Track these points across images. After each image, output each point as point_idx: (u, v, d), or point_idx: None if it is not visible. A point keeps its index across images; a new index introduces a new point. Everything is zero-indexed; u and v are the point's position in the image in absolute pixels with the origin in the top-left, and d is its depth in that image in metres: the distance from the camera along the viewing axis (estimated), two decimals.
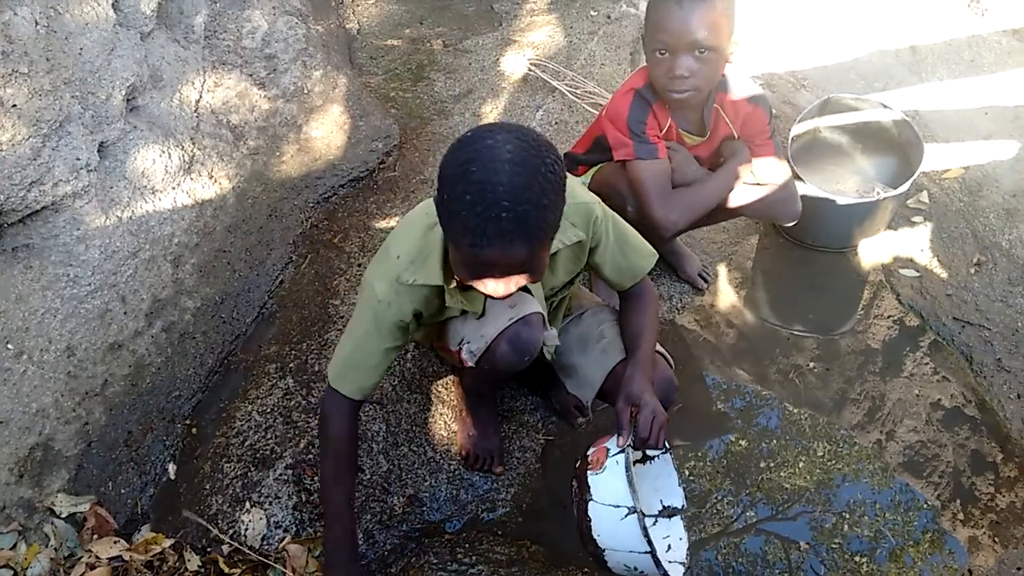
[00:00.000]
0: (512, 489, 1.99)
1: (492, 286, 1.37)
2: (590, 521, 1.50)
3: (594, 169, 2.25)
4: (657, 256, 1.74)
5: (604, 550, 1.51)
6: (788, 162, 2.58)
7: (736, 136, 2.10)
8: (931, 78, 3.16)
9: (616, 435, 1.55)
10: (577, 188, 1.56)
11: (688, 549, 1.66)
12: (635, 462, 1.71)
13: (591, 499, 1.50)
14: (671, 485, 1.70)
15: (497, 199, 1.20)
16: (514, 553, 1.84)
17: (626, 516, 1.45)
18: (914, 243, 2.73)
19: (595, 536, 1.50)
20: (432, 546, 1.83)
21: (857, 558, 2.02)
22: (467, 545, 1.84)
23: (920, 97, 3.08)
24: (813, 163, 2.81)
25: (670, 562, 1.60)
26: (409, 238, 1.50)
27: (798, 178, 2.54)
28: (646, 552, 1.44)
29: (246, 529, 1.74)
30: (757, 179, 2.17)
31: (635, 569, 1.51)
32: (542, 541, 1.90)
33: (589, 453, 1.58)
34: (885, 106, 2.69)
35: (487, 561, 1.80)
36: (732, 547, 2.02)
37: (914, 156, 2.58)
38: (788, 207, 2.21)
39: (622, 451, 1.50)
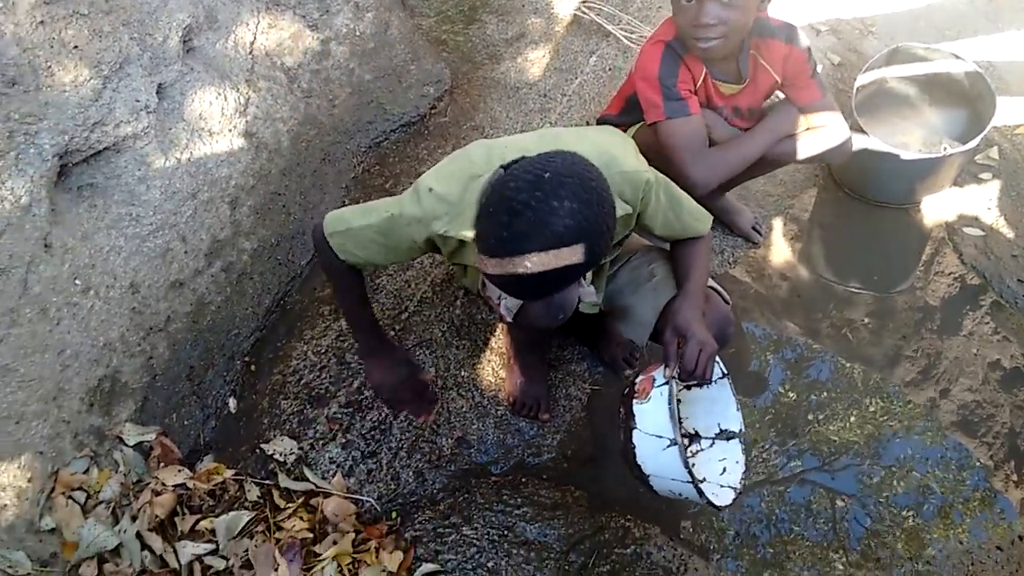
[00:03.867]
0: (558, 436, 2.02)
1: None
2: (634, 448, 1.52)
3: (632, 130, 2.19)
4: (712, 219, 1.71)
5: (649, 476, 1.53)
6: (854, 114, 2.50)
7: (779, 80, 2.01)
8: (1008, 27, 3.01)
9: (663, 366, 1.55)
10: (628, 156, 1.52)
11: (745, 472, 1.65)
12: (692, 386, 1.71)
13: (635, 427, 1.52)
14: (729, 409, 1.70)
15: (525, 261, 1.17)
16: (558, 497, 1.87)
17: (668, 447, 1.46)
18: (980, 201, 2.64)
19: (639, 463, 1.53)
20: (479, 487, 1.87)
21: (903, 512, 2.01)
22: (512, 488, 1.88)
23: (995, 47, 2.94)
24: (878, 115, 2.71)
25: (722, 486, 1.62)
26: (451, 178, 1.46)
27: (861, 130, 2.47)
28: (688, 481, 1.46)
29: (300, 463, 1.80)
30: (803, 126, 2.07)
31: (680, 495, 1.53)
32: (586, 487, 1.94)
33: (637, 381, 1.59)
34: (957, 56, 2.57)
35: (532, 504, 1.84)
36: (776, 495, 2.03)
37: (985, 110, 2.48)
38: (838, 147, 2.08)
39: (667, 383, 1.50)
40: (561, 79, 2.73)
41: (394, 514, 1.80)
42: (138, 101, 1.78)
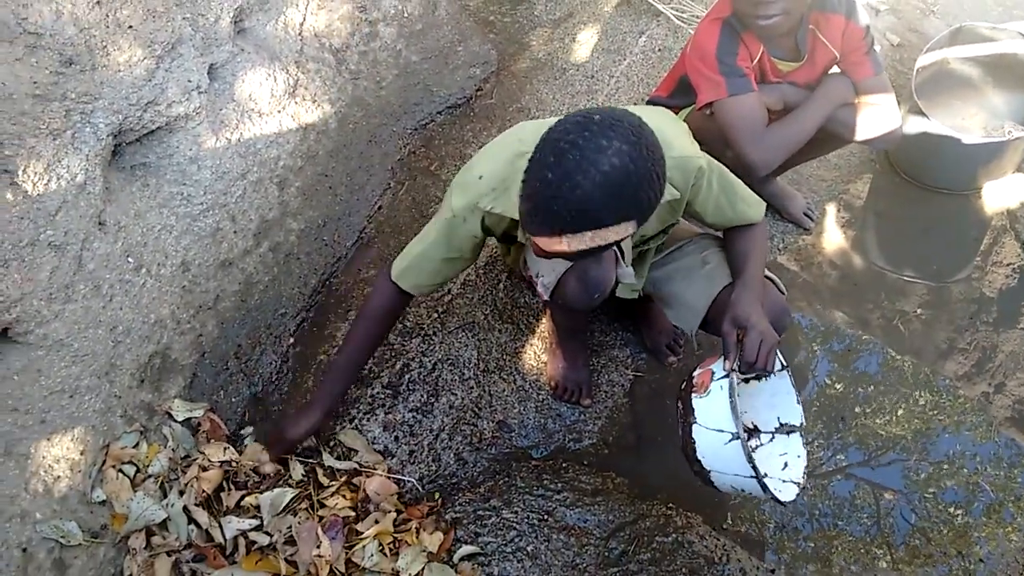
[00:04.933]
0: (599, 422, 2.01)
1: (532, 244, 1.34)
2: (695, 443, 1.49)
3: (684, 112, 2.14)
4: (765, 205, 1.67)
5: (710, 471, 1.51)
6: (914, 96, 2.42)
7: (837, 56, 1.95)
8: None
9: (722, 358, 1.52)
10: (680, 140, 1.49)
11: (806, 467, 1.62)
12: (751, 378, 1.68)
13: (695, 422, 1.49)
14: (789, 402, 1.66)
15: (567, 198, 1.15)
16: (599, 483, 1.86)
17: (730, 441, 1.43)
18: None
19: (700, 458, 1.50)
20: (519, 471, 1.88)
21: (951, 509, 1.96)
22: (553, 472, 1.88)
23: None
24: (939, 97, 2.62)
25: (784, 481, 1.59)
26: (496, 162, 1.46)
27: (921, 113, 2.38)
28: (751, 476, 1.43)
29: (343, 444, 1.82)
30: (856, 100, 2.01)
31: (742, 490, 1.51)
32: (627, 474, 1.93)
33: (695, 374, 1.56)
34: None
35: (572, 489, 1.83)
36: (819, 489, 2.00)
37: None
38: (887, 130, 2.02)
39: (727, 375, 1.47)
40: (609, 60, 2.70)
41: (436, 495, 1.82)
42: (190, 81, 1.80)
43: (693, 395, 1.51)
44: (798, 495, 1.56)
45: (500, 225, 1.53)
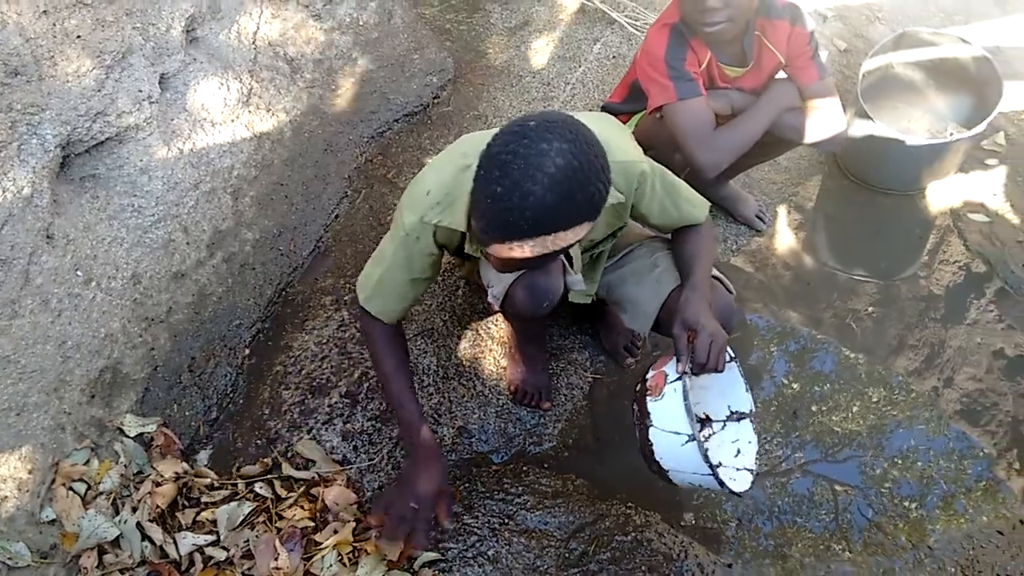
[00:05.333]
0: (559, 424, 2.02)
1: (492, 260, 1.34)
2: (652, 445, 1.52)
3: (635, 118, 2.17)
4: (709, 205, 1.70)
5: (668, 471, 1.54)
6: (859, 100, 2.48)
7: (783, 61, 1.99)
8: (1016, 12, 2.98)
9: (674, 359, 1.54)
10: (622, 145, 1.51)
11: (758, 453, 1.66)
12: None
13: (651, 425, 1.51)
14: (738, 391, 1.69)
15: (521, 207, 1.15)
16: (559, 486, 1.88)
17: (686, 443, 1.46)
18: (986, 187, 2.62)
19: (658, 459, 1.52)
20: (480, 476, 1.88)
21: (907, 503, 2.01)
22: (513, 476, 1.88)
23: (1003, 32, 2.91)
24: (883, 100, 2.69)
25: (739, 469, 1.63)
26: (442, 175, 1.46)
27: (866, 116, 2.45)
28: (709, 474, 1.46)
29: (301, 455, 1.81)
30: (801, 104, 2.05)
31: (700, 486, 1.54)
32: (587, 476, 1.94)
33: (648, 377, 1.58)
34: (964, 41, 2.54)
35: (532, 492, 1.84)
36: (779, 487, 2.03)
37: (992, 95, 2.46)
38: (832, 132, 2.06)
39: (679, 378, 1.49)
40: (564, 67, 2.72)
41: None
42: (141, 91, 1.78)
43: (648, 398, 1.54)
44: (752, 483, 1.59)
45: (453, 239, 1.54)
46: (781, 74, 2.06)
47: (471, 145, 1.44)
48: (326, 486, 1.73)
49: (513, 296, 1.57)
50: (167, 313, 1.86)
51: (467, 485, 1.85)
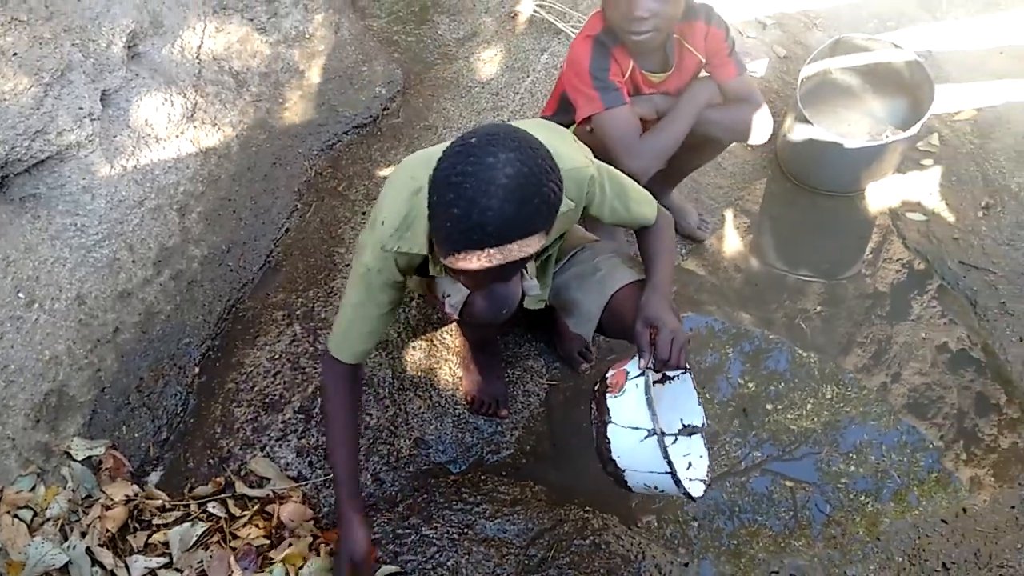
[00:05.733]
0: (516, 432, 2.03)
1: (463, 280, 1.35)
2: (609, 443, 1.51)
3: (571, 129, 2.19)
4: (656, 203, 1.72)
5: (624, 471, 1.52)
6: (799, 105, 2.54)
7: (703, 60, 2.01)
8: (946, 17, 3.09)
9: (635, 357, 1.54)
10: (567, 151, 1.51)
11: (709, 466, 1.66)
12: (654, 383, 1.72)
13: (610, 421, 1.50)
14: (691, 404, 1.70)
15: (482, 223, 1.16)
16: (517, 493, 1.88)
17: (645, 438, 1.46)
18: (922, 186, 2.70)
19: (615, 457, 1.51)
20: (438, 486, 1.88)
21: (862, 497, 2.05)
22: (472, 486, 1.89)
23: (934, 37, 3.01)
24: (822, 105, 2.77)
25: (691, 480, 1.62)
26: (395, 203, 1.45)
27: (806, 121, 2.51)
28: (666, 472, 1.46)
29: (255, 472, 1.79)
30: (724, 100, 2.07)
31: (656, 488, 1.53)
32: (545, 482, 1.95)
33: (608, 376, 1.58)
34: (896, 46, 2.63)
35: (491, 501, 1.84)
36: (739, 486, 2.06)
37: (925, 97, 2.54)
38: (757, 125, 2.08)
39: (642, 374, 1.50)
40: (513, 77, 2.74)
41: None
42: (81, 108, 1.75)
43: (608, 395, 1.53)
44: (705, 491, 1.60)
45: (413, 263, 1.52)
46: (704, 73, 2.10)
47: (416, 167, 1.44)
48: (281, 503, 1.71)
49: (472, 304, 1.57)
50: (113, 333, 1.83)
51: (425, 496, 1.85)
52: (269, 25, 2.41)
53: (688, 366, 1.67)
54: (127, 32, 1.90)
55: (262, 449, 1.83)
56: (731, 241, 2.60)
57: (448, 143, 1.28)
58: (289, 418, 1.88)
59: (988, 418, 2.21)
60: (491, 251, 1.20)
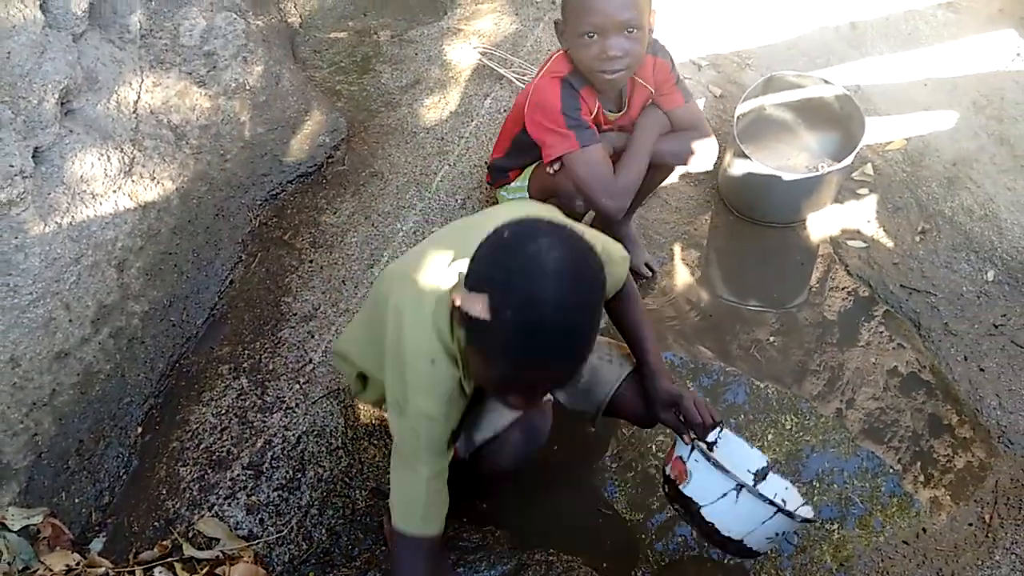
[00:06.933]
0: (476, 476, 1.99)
1: (515, 400, 1.24)
2: (713, 525, 1.52)
3: (528, 171, 2.21)
4: (629, 257, 1.63)
5: (743, 540, 1.53)
6: (736, 141, 2.61)
7: (652, 91, 2.07)
8: (871, 52, 3.22)
9: (677, 441, 1.58)
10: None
11: (798, 492, 1.71)
12: (709, 444, 1.71)
13: (700, 507, 1.52)
14: (745, 451, 1.72)
15: (544, 318, 1.05)
16: (479, 539, 1.84)
17: (737, 497, 1.47)
18: (860, 215, 2.78)
19: (727, 535, 1.52)
20: None
21: (828, 525, 2.05)
22: None
23: (861, 71, 3.13)
24: (760, 141, 2.84)
25: (797, 507, 1.65)
26: (425, 342, 1.27)
27: (745, 156, 2.58)
28: (776, 512, 1.46)
29: (203, 533, 1.72)
30: (672, 129, 2.13)
31: (777, 534, 1.54)
32: (507, 525, 1.91)
33: (668, 473, 1.61)
34: (827, 82, 2.73)
35: (453, 548, 1.80)
36: None
37: (856, 129, 2.63)
38: (705, 151, 2.14)
39: (693, 449, 1.53)
40: (457, 122, 2.77)
41: (311, 575, 1.73)
42: (12, 166, 1.70)
43: (680, 488, 1.55)
44: (813, 512, 1.65)
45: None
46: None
47: (409, 300, 1.31)
48: (232, 564, 1.64)
49: (505, 442, 1.46)
50: (50, 395, 1.76)
51: (383, 548, 1.79)
52: (208, 78, 2.39)
53: (720, 420, 1.67)
54: (59, 88, 1.87)
55: (210, 509, 1.76)
56: (682, 276, 2.63)
57: (421, 254, 1.23)
58: (238, 475, 1.81)
59: (942, 439, 2.24)
60: (559, 340, 1.08)
